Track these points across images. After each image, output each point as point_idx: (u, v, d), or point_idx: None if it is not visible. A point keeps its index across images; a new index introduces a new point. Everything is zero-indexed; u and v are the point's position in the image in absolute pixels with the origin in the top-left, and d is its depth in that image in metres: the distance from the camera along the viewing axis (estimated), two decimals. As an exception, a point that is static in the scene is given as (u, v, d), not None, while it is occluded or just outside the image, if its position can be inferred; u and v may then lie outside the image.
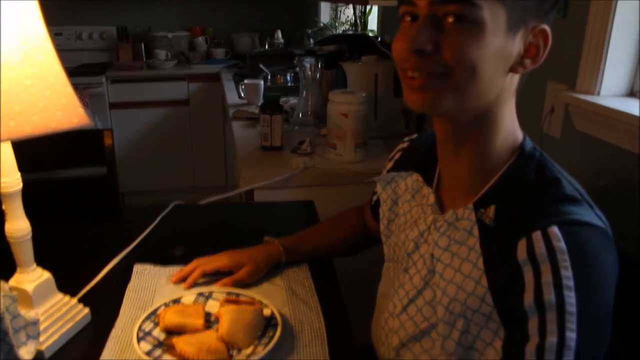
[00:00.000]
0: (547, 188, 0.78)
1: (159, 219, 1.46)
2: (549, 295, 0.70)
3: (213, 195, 1.72)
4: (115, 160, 1.88)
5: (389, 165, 1.12)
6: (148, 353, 0.92)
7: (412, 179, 1.01)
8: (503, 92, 0.80)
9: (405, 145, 1.11)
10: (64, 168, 2.24)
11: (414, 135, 1.12)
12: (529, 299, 0.72)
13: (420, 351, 0.89)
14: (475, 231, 0.82)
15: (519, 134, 0.85)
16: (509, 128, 0.83)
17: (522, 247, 0.74)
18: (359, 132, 1.85)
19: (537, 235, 0.72)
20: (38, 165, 1.83)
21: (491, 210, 0.82)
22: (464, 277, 0.82)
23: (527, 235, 0.73)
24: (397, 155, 1.11)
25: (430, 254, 0.89)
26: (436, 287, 0.87)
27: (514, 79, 0.80)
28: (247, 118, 2.43)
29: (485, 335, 0.80)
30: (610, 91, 1.31)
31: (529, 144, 0.84)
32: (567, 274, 0.69)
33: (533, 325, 0.71)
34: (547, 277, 0.70)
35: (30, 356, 0.89)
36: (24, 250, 0.96)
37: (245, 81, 2.73)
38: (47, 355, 0.95)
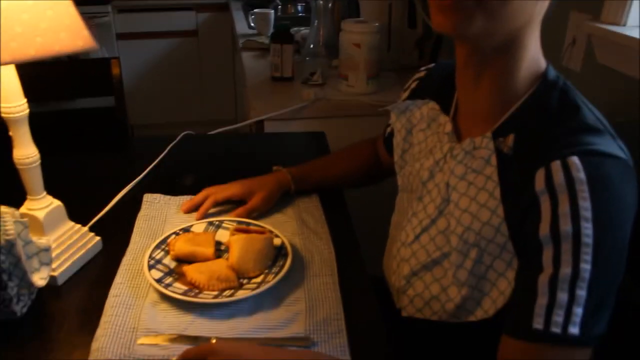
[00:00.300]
0: (569, 117, 0.76)
1: (168, 148, 1.45)
2: (566, 226, 0.68)
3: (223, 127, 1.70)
4: (123, 90, 1.85)
5: (405, 94, 1.09)
6: (159, 280, 0.93)
7: (428, 107, 0.98)
8: (532, 18, 0.76)
9: (422, 74, 1.08)
10: (72, 99, 2.22)
11: (432, 65, 1.08)
12: (544, 229, 0.70)
13: (432, 280, 0.89)
14: (493, 160, 0.80)
15: (543, 62, 0.82)
16: (534, 56, 0.80)
17: (540, 176, 0.72)
18: (371, 63, 1.81)
19: (556, 165, 0.70)
20: (46, 96, 1.81)
21: (510, 139, 0.79)
22: (479, 207, 0.81)
23: (546, 165, 0.71)
24: (414, 85, 1.08)
25: (446, 182, 0.88)
26: (450, 216, 0.85)
27: (544, 5, 0.76)
28: (257, 48, 2.39)
29: (498, 265, 0.79)
30: (637, 22, 1.26)
31: (553, 73, 0.81)
32: (585, 204, 0.68)
33: (547, 255, 0.70)
34: (564, 208, 0.69)
35: (44, 282, 0.90)
36: (33, 177, 0.95)
37: (255, 10, 2.66)
38: (59, 281, 0.96)
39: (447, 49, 2.04)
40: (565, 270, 0.68)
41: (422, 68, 1.09)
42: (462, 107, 0.90)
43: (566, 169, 0.70)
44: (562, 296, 0.68)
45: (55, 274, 0.96)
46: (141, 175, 1.31)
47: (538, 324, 0.69)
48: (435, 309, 0.88)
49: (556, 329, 0.68)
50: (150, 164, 1.37)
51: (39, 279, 0.89)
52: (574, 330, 0.67)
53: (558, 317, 0.68)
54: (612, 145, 0.72)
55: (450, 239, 0.85)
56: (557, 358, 0.69)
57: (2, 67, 0.85)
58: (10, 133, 0.91)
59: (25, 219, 0.87)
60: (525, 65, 0.79)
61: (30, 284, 0.87)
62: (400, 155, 1.03)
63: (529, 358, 0.71)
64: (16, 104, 0.88)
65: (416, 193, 0.95)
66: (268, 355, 0.72)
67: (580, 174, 0.69)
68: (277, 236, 1.04)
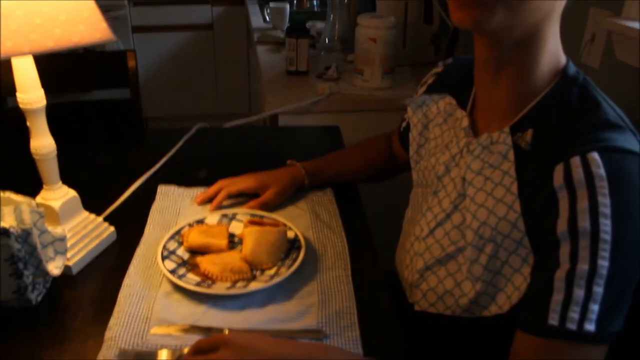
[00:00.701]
0: (589, 113, 0.75)
1: (182, 141, 1.46)
2: (584, 223, 0.68)
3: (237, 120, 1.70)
4: (138, 83, 1.86)
5: (422, 89, 1.08)
6: (172, 271, 0.93)
7: (445, 102, 0.98)
8: (552, 12, 0.75)
9: (439, 69, 1.08)
10: (88, 90, 2.23)
11: (449, 60, 1.08)
12: (562, 225, 0.70)
13: (445, 275, 0.89)
14: (511, 155, 0.80)
15: (562, 58, 0.81)
16: (553, 50, 0.79)
17: (558, 172, 0.71)
18: (387, 58, 1.80)
19: (576, 161, 0.70)
20: (62, 88, 1.82)
21: (528, 134, 0.79)
22: (495, 202, 0.80)
23: (565, 161, 0.71)
24: (431, 79, 1.08)
25: (462, 177, 0.87)
26: (466, 210, 0.85)
27: None
28: (273, 42, 2.38)
29: (514, 261, 0.79)
30: (658, 19, 1.24)
31: (573, 68, 0.80)
32: (604, 201, 0.67)
33: (564, 251, 0.69)
34: (583, 204, 0.68)
35: (59, 271, 0.90)
36: (49, 168, 0.96)
37: (271, 4, 2.66)
38: (74, 270, 0.97)
39: (463, 44, 2.02)
40: (583, 266, 0.67)
41: (440, 63, 1.09)
42: (480, 102, 0.90)
43: (586, 164, 0.69)
44: (579, 292, 0.67)
45: (70, 263, 0.96)
46: (155, 167, 1.32)
47: (553, 320, 0.68)
48: (448, 303, 0.88)
49: (572, 326, 0.67)
50: (165, 155, 1.38)
51: (54, 267, 0.90)
52: (590, 327, 0.67)
53: (574, 313, 0.67)
54: (632, 142, 0.72)
55: (466, 234, 0.85)
56: (572, 355, 0.69)
57: (21, 58, 0.86)
58: (28, 124, 0.92)
59: (41, 209, 0.88)
60: (545, 60, 0.79)
61: (46, 273, 0.88)
62: (415, 150, 1.03)
63: (543, 354, 0.70)
64: (34, 95, 0.89)
65: (431, 187, 0.95)
66: (281, 347, 0.72)
67: (600, 170, 0.68)
68: (290, 229, 1.04)
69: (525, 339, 0.72)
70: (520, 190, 0.78)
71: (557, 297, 0.69)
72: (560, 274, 0.69)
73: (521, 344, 0.73)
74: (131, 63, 1.84)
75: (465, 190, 0.86)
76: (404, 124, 1.18)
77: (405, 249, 0.99)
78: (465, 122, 0.91)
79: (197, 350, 0.73)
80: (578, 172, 0.69)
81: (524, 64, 0.79)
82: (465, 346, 0.95)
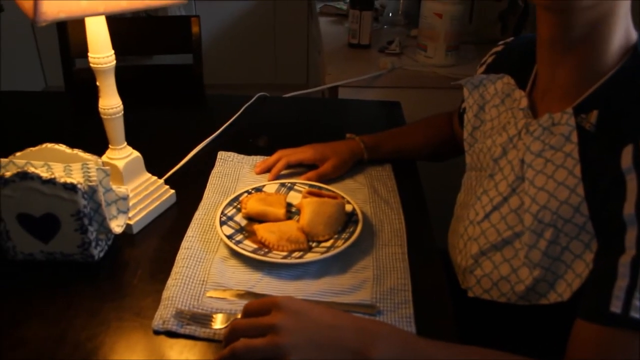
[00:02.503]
0: None
1: (243, 108, 1.46)
2: None
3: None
4: (201, 48, 1.87)
5: (481, 69, 1.05)
6: (230, 237, 0.94)
7: (503, 82, 0.94)
8: None
9: (500, 48, 1.04)
10: (151, 54, 2.26)
11: (510, 39, 1.04)
12: (629, 208, 0.66)
13: (501, 260, 0.86)
14: (574, 137, 0.77)
15: (633, 34, 0.77)
16: (626, 27, 0.75)
17: (627, 153, 0.68)
18: (452, 34, 1.76)
19: None
20: (127, 52, 1.85)
21: (593, 115, 0.75)
22: (557, 185, 0.77)
23: (635, 142, 0.67)
24: (490, 59, 1.04)
25: (520, 159, 0.84)
26: (524, 194, 0.82)
27: None
28: (335, 14, 2.36)
29: (576, 247, 0.76)
30: None
31: None
32: None
33: (631, 236, 0.66)
34: None
35: (120, 229, 0.92)
36: (115, 127, 0.97)
37: (335, -25, 2.62)
38: (135, 230, 0.99)
39: (532, 22, 1.95)
40: None
41: (500, 42, 1.05)
42: (541, 82, 0.86)
43: None
44: None
45: (131, 222, 0.98)
46: (216, 133, 1.33)
47: (616, 307, 0.65)
48: (504, 290, 0.86)
49: (635, 314, 0.64)
50: (225, 122, 1.39)
51: (116, 225, 0.92)
52: None
53: (638, 301, 0.64)
54: None
55: (524, 218, 0.82)
56: (634, 345, 0.65)
57: (94, 18, 0.87)
58: (97, 83, 0.93)
59: (107, 167, 0.90)
60: (616, 38, 0.75)
61: (108, 230, 0.90)
62: (470, 133, 1.00)
63: (604, 344, 0.67)
64: (104, 55, 0.90)
65: (487, 171, 0.92)
66: (334, 316, 0.70)
67: None
68: (348, 202, 1.03)
69: (585, 327, 0.69)
70: (583, 174, 0.74)
71: (621, 283, 0.65)
72: (625, 260, 0.66)
73: (580, 333, 0.70)
74: (195, 29, 1.86)
75: (523, 173, 0.83)
76: (463, 105, 1.15)
77: (459, 233, 0.97)
78: (524, 102, 0.88)
79: (247, 312, 0.72)
80: None
81: (594, 44, 0.75)
82: (519, 335, 0.93)
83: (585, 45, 0.76)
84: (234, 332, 0.68)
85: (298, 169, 1.17)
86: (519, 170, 0.85)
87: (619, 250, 0.67)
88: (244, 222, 1.00)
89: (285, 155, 1.15)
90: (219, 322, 0.79)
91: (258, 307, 0.71)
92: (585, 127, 0.76)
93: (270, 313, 0.69)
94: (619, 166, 0.68)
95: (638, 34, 0.77)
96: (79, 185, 0.82)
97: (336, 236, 0.97)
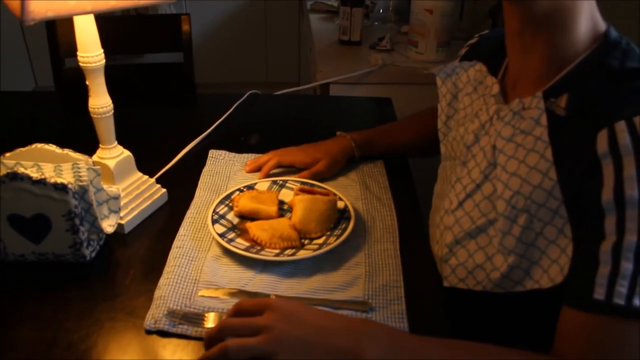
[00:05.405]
0: (634, 76, 0.71)
1: (234, 106, 1.46)
2: (631, 191, 0.64)
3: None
4: (192, 47, 1.87)
5: (456, 62, 1.06)
6: (222, 235, 0.94)
7: (475, 70, 0.95)
8: None
9: (474, 40, 1.05)
10: (141, 53, 2.25)
11: (485, 32, 1.05)
12: (607, 194, 0.66)
13: (476, 248, 0.86)
14: (544, 120, 0.77)
15: (601, 23, 0.77)
16: (590, 11, 0.76)
17: (602, 138, 0.67)
18: (443, 30, 1.76)
19: (621, 126, 0.66)
20: (117, 50, 1.84)
21: (563, 99, 0.75)
22: (529, 169, 0.77)
23: (609, 126, 0.67)
24: (464, 51, 1.06)
25: (492, 145, 0.84)
26: (497, 180, 0.82)
27: None
28: (326, 11, 2.36)
29: (549, 232, 0.75)
30: None
31: (614, 33, 0.76)
32: None
33: (610, 222, 0.66)
34: (630, 171, 0.64)
35: (112, 229, 0.92)
36: (106, 127, 0.97)
37: (325, -28, 2.62)
38: (126, 229, 0.99)
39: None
40: (630, 238, 0.64)
41: (476, 35, 1.06)
42: (512, 70, 0.87)
43: (632, 129, 0.65)
44: (627, 266, 0.64)
45: (123, 222, 0.98)
46: (207, 131, 1.33)
47: (599, 294, 0.65)
48: (479, 278, 0.85)
49: (619, 300, 0.64)
50: (216, 120, 1.38)
51: (108, 225, 0.92)
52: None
53: (622, 287, 0.64)
54: None
55: (497, 205, 0.81)
56: (620, 331, 0.65)
57: (83, 17, 0.86)
58: (87, 82, 0.93)
59: (97, 167, 0.90)
60: (581, 24, 0.75)
61: (100, 230, 0.90)
62: (444, 122, 1.00)
63: (589, 331, 0.67)
64: (94, 54, 0.90)
65: (460, 158, 0.92)
66: (324, 317, 0.70)
67: None
68: (340, 199, 1.03)
69: (570, 314, 0.69)
70: (555, 157, 0.74)
71: (603, 270, 0.65)
72: (605, 247, 0.66)
73: (566, 321, 0.70)
74: (185, 27, 1.85)
75: (495, 159, 0.83)
76: None
77: (435, 223, 0.97)
78: (496, 88, 0.88)
79: (239, 311, 0.72)
80: (624, 137, 0.65)
81: (559, 30, 0.76)
82: (511, 324, 0.93)
83: (550, 32, 0.77)
84: (224, 329, 0.68)
85: (289, 168, 1.17)
86: (491, 157, 0.84)
87: (599, 236, 0.66)
88: (236, 220, 1.00)
89: (277, 155, 1.15)
90: (211, 321, 0.79)
91: (251, 307, 0.71)
92: (555, 111, 0.76)
93: (263, 314, 0.69)
94: (595, 151, 0.68)
95: (607, 24, 0.78)
96: (69, 186, 0.82)
97: (328, 233, 0.97)
